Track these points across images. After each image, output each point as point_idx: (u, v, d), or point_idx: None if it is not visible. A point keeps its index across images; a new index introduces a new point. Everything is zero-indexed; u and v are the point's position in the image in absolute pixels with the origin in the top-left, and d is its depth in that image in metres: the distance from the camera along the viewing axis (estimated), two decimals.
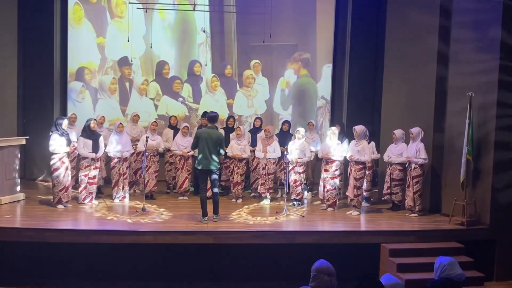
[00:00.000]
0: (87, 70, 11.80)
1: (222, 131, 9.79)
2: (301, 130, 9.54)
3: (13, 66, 11.23)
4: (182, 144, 9.83)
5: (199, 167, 8.15)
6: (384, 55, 10.67)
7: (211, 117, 8.30)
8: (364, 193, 9.40)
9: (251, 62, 12.06)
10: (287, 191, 9.28)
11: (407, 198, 8.88)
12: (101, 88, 11.87)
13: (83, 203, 9.00)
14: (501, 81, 8.04)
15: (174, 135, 10.21)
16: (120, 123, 9.65)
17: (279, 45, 11.92)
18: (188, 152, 9.74)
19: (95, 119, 9.31)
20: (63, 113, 11.41)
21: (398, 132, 9.14)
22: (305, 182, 9.80)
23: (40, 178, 11.43)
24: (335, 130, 9.24)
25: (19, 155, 9.34)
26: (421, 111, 9.40)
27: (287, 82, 12.14)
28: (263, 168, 9.68)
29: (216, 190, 8.27)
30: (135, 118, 10.56)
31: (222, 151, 8.31)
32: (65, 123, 8.83)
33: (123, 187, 9.42)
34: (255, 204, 9.53)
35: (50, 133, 8.68)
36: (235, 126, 10.37)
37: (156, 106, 11.99)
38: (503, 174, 8.12)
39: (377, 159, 10.00)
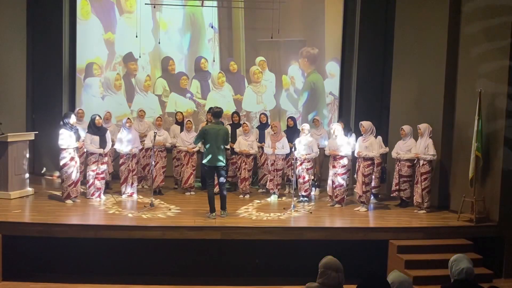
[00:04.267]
0: (96, 66, 11.83)
1: (229, 127, 9.80)
2: (306, 126, 9.51)
3: (22, 62, 11.26)
4: (187, 139, 9.84)
5: (207, 163, 8.17)
6: (393, 50, 10.62)
7: (215, 113, 8.26)
8: (372, 190, 9.37)
9: (256, 58, 12.03)
10: (295, 187, 9.27)
11: (416, 195, 8.84)
12: (107, 84, 11.89)
13: (91, 199, 9.04)
14: None
15: (181, 131, 10.22)
16: (128, 119, 9.68)
17: (287, 41, 11.90)
18: (193, 147, 9.76)
19: (99, 115, 9.26)
20: (72, 108, 11.45)
21: (406, 128, 9.09)
22: (313, 178, 9.78)
23: (49, 173, 11.49)
24: (337, 126, 9.17)
25: (28, 150, 9.38)
26: (430, 107, 9.34)
27: (291, 79, 12.08)
28: (272, 164, 9.67)
29: (223, 185, 8.27)
30: (141, 114, 10.60)
31: (227, 146, 8.36)
32: (73, 118, 8.85)
33: (132, 183, 9.46)
34: (263, 200, 9.53)
35: (60, 128, 8.71)
36: (240, 122, 10.36)
37: (162, 102, 12.00)
38: None
39: (385, 153, 9.93)
